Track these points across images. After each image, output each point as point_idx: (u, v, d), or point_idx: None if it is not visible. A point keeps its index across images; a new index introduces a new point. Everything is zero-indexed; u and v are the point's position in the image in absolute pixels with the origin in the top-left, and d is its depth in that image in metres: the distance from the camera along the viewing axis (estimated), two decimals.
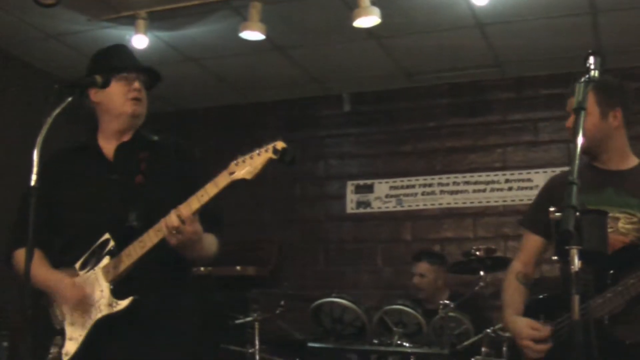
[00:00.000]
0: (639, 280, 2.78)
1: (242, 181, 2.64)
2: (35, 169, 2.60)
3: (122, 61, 3.10)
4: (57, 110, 2.72)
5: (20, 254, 2.92)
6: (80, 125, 3.15)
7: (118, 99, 3.01)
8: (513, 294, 3.29)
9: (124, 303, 2.77)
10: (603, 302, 2.82)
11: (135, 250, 2.79)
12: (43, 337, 2.90)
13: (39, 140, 2.64)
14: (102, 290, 2.82)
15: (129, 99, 3.01)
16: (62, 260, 2.96)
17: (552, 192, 3.16)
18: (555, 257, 1.87)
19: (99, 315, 2.79)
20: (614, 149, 3.09)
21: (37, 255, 2.85)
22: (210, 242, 2.94)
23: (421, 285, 5.91)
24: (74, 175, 3.03)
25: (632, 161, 3.13)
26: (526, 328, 3.08)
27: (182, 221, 2.66)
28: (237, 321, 5.44)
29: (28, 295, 2.59)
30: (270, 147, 2.59)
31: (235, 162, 2.64)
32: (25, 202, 2.67)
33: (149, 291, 2.80)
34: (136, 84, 3.03)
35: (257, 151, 2.61)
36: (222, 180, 2.66)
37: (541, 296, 3.22)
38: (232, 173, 2.64)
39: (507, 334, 4.30)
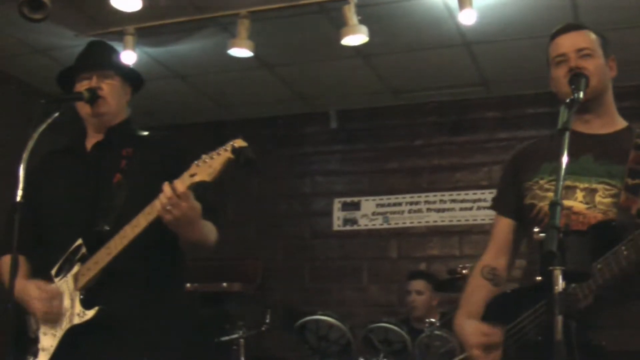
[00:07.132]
0: (632, 248, 2.26)
1: (202, 183, 2.50)
2: (21, 185, 2.58)
3: (78, 62, 3.04)
4: (44, 126, 2.71)
5: (5, 261, 2.82)
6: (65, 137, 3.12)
7: (78, 102, 2.94)
8: (472, 292, 2.76)
9: (90, 313, 2.66)
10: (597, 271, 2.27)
11: (102, 257, 2.68)
12: (20, 346, 2.82)
13: (25, 156, 2.63)
14: (72, 299, 2.73)
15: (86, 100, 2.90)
16: (41, 266, 2.88)
17: (517, 163, 2.80)
18: (539, 278, 1.87)
19: (68, 326, 2.71)
20: (606, 104, 2.70)
21: (20, 262, 2.80)
22: (210, 229, 2.80)
23: (417, 302, 5.81)
24: (55, 178, 2.97)
25: (618, 124, 2.71)
26: (475, 334, 2.57)
27: (177, 195, 2.50)
28: (223, 338, 5.42)
29: (14, 307, 2.57)
30: (229, 145, 2.45)
31: (197, 162, 2.51)
32: (11, 215, 2.61)
33: (120, 300, 2.69)
34: (92, 82, 2.92)
35: (218, 150, 2.47)
36: (182, 183, 2.52)
37: (506, 292, 2.67)
38: (193, 175, 2.51)
39: None
